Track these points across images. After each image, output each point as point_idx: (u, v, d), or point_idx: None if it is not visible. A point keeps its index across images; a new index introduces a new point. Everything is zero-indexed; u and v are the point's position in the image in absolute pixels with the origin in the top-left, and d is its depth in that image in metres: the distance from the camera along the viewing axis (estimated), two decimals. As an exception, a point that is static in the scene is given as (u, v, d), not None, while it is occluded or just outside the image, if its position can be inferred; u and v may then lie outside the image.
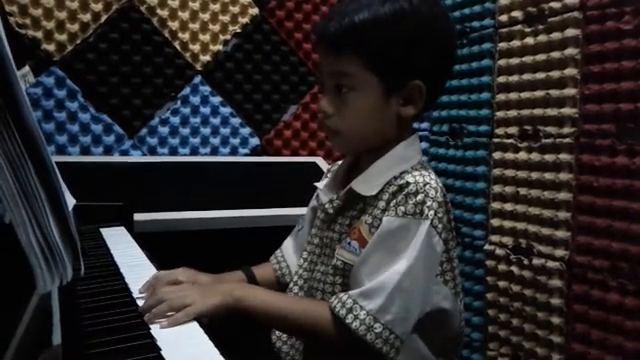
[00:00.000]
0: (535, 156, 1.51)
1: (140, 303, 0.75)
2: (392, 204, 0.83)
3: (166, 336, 0.66)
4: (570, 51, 1.41)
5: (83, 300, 0.76)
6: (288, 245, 1.08)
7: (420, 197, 0.81)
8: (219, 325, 0.75)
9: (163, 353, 0.60)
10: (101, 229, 1.25)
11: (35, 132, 0.46)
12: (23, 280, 0.63)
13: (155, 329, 0.68)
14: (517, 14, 1.58)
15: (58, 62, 1.73)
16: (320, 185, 1.00)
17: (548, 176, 1.46)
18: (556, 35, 1.45)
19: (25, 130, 0.46)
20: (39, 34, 1.70)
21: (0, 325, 0.51)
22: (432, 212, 0.81)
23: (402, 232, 0.81)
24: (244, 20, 1.99)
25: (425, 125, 2.01)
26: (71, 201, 0.84)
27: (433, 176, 0.86)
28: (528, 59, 1.54)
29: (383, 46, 0.84)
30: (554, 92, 1.45)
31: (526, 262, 1.52)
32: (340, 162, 1.02)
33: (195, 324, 0.71)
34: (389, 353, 0.78)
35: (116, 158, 1.81)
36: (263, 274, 1.04)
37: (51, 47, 1.72)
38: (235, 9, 1.97)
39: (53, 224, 0.48)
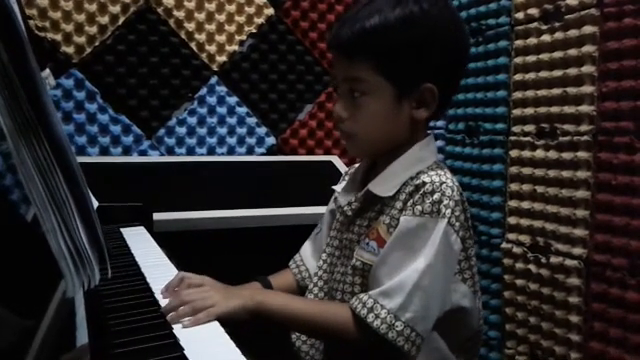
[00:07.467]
0: (552, 154, 1.50)
1: (162, 303, 0.77)
2: (409, 204, 0.84)
3: (188, 336, 0.67)
4: (587, 48, 1.40)
5: (107, 300, 0.77)
6: (307, 249, 1.10)
7: (437, 196, 0.82)
8: (239, 325, 0.76)
9: (186, 352, 0.61)
10: (121, 229, 1.27)
11: (63, 140, 0.48)
12: (45, 280, 0.64)
13: (177, 329, 0.69)
14: (533, 11, 1.57)
15: (77, 64, 1.76)
16: (338, 188, 1.02)
17: (566, 174, 1.46)
18: (573, 32, 1.44)
19: (54, 139, 0.47)
20: (58, 37, 1.72)
21: (22, 325, 0.53)
22: (449, 211, 0.82)
23: (420, 231, 0.82)
24: (259, 20, 2.00)
25: (441, 123, 2.01)
26: (94, 203, 0.86)
27: (449, 175, 0.87)
28: (545, 56, 1.53)
29: (394, 51, 0.85)
30: (571, 90, 1.44)
31: (544, 260, 1.51)
32: (357, 165, 1.03)
33: (217, 324, 0.72)
34: (411, 351, 0.79)
35: (135, 158, 1.83)
36: (280, 282, 1.05)
37: (70, 49, 1.74)
38: (250, 10, 1.98)
39: (81, 229, 0.50)
